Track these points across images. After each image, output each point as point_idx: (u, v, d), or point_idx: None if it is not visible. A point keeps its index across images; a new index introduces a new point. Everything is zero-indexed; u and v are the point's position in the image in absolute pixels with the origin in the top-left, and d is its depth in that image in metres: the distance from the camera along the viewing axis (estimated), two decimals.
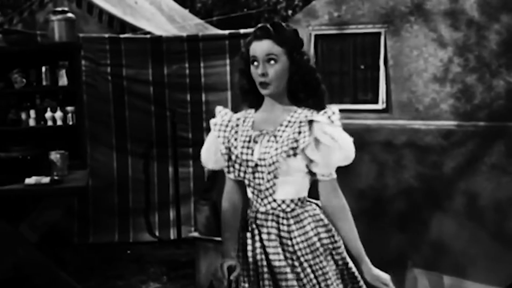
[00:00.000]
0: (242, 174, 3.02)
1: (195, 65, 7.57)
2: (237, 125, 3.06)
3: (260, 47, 2.90)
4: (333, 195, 2.97)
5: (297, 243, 2.93)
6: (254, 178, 2.98)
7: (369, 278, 2.99)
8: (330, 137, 2.86)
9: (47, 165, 6.17)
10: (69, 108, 6.92)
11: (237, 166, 3.01)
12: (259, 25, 2.98)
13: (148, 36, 7.85)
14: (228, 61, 7.56)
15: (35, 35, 7.08)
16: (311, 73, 2.96)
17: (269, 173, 2.92)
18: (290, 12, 13.67)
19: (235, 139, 3.02)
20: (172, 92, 7.58)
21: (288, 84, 2.95)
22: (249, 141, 2.99)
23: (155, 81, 7.57)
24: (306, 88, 2.95)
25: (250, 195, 3.06)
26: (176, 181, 7.46)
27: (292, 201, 2.98)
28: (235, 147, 3.00)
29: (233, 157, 3.01)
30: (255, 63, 2.92)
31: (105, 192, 7.65)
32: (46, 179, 5.90)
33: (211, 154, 3.13)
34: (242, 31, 7.69)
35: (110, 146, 7.68)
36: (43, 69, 6.85)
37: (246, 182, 3.03)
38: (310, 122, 2.88)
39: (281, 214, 2.96)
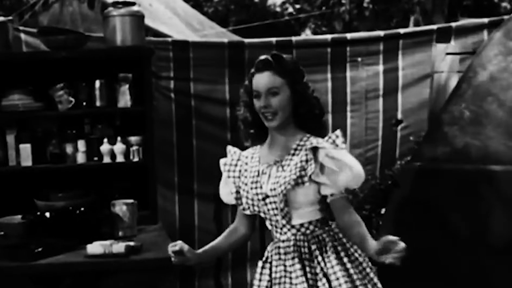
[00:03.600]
0: (256, 208, 3.28)
1: None
2: (246, 163, 3.34)
3: (262, 80, 3.15)
4: (343, 212, 3.17)
5: (319, 263, 3.15)
6: (268, 210, 3.24)
7: (376, 248, 2.91)
8: (335, 160, 3.09)
9: (109, 221, 4.69)
10: (133, 139, 5.20)
11: (249, 201, 3.28)
12: (261, 57, 3.20)
13: (226, 41, 6.02)
14: (329, 75, 6.06)
15: (86, 37, 5.19)
16: (316, 104, 3.25)
17: (280, 202, 3.16)
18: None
19: (245, 177, 3.29)
20: None
21: (293, 114, 3.20)
22: (258, 175, 3.26)
23: (233, 101, 5.80)
24: (313, 119, 3.23)
25: (269, 227, 3.33)
26: (261, 231, 5.67)
27: (310, 223, 3.20)
28: (245, 184, 3.28)
29: (244, 194, 3.29)
30: (257, 97, 3.17)
31: None
32: (119, 247, 4.20)
33: (227, 192, 3.43)
34: (348, 35, 6.18)
35: (171, 186, 6.07)
36: (97, 83, 5.15)
37: (262, 215, 3.30)
38: (315, 148, 3.12)
39: (302, 238, 3.19)
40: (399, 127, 6.02)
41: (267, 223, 3.35)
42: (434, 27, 6.10)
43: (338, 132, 3.18)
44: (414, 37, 6.02)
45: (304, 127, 3.24)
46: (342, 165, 3.11)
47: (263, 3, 14.69)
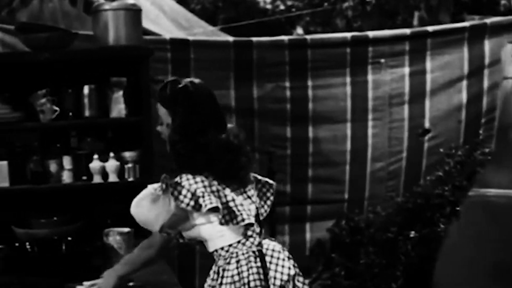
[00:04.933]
0: None
1: (300, 84, 5.47)
2: None
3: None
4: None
5: None
6: None
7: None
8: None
9: (102, 254, 4.00)
10: (127, 155, 4.57)
11: None
12: None
13: (232, 39, 5.38)
14: (348, 79, 5.49)
15: (72, 36, 4.56)
16: (177, 141, 3.16)
17: None
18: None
19: None
20: (264, 124, 5.51)
21: None
22: None
23: (240, 108, 5.46)
24: (173, 153, 3.19)
25: None
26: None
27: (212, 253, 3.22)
28: None
29: None
30: None
31: None
32: None
33: None
34: (370, 34, 5.57)
35: None
36: (86, 89, 4.52)
37: None
38: None
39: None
40: (426, 137, 5.53)
41: None
42: (467, 24, 5.54)
43: (180, 180, 3.12)
44: (444, 36, 5.50)
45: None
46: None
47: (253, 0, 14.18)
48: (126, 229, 4.03)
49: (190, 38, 5.52)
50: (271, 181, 3.41)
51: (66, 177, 4.54)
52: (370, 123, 5.51)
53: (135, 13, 4.51)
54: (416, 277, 5.07)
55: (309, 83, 5.43)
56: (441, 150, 5.42)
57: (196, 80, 3.27)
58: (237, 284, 3.10)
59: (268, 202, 3.39)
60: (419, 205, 5.24)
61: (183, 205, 3.07)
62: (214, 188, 3.13)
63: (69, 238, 4.05)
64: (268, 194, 3.38)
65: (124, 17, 4.46)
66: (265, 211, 3.36)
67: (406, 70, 5.48)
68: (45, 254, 3.94)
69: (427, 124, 5.54)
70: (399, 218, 5.32)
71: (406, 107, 5.50)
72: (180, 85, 3.19)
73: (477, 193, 3.80)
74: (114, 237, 4.00)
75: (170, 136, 3.21)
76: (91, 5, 6.98)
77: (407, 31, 5.55)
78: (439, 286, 4.14)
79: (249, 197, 3.26)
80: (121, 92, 4.52)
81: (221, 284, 3.12)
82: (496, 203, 3.70)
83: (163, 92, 3.20)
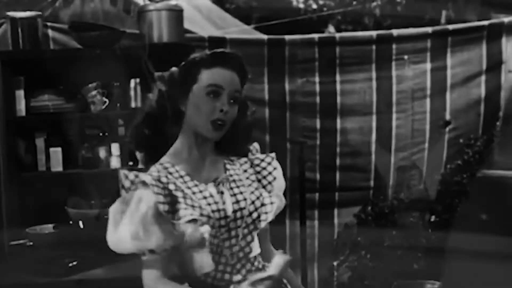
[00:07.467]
0: (206, 236, 2.37)
1: (328, 79, 5.63)
2: (168, 183, 2.44)
3: (229, 78, 2.51)
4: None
5: None
6: (228, 238, 2.43)
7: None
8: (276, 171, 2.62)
9: None
10: None
11: (203, 228, 2.36)
12: (222, 49, 2.56)
13: (266, 37, 5.70)
14: (374, 74, 5.64)
15: (121, 34, 4.83)
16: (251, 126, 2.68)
17: (247, 225, 2.46)
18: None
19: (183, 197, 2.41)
20: (295, 116, 5.66)
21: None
22: (210, 195, 2.44)
23: (272, 101, 5.61)
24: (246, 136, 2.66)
25: (208, 267, 2.40)
26: (302, 239, 5.44)
27: (258, 256, 2.53)
28: (191, 205, 2.39)
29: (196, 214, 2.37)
30: (213, 95, 2.48)
31: None
32: None
33: (150, 226, 2.36)
34: (394, 32, 5.70)
35: None
36: (132, 83, 4.83)
37: (210, 248, 2.38)
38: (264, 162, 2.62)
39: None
40: (447, 129, 5.67)
41: (210, 261, 2.43)
42: (486, 23, 5.66)
43: (255, 144, 2.71)
44: (464, 34, 5.63)
45: (230, 147, 2.63)
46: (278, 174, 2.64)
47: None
48: None
49: (227, 36, 5.77)
50: None
51: (115, 163, 4.84)
52: (394, 116, 5.62)
53: (177, 13, 4.82)
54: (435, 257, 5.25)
55: (337, 78, 5.59)
56: (461, 141, 5.57)
57: None
58: None
59: None
60: (439, 191, 5.42)
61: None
62: None
63: None
64: None
65: (167, 17, 4.76)
66: None
67: (428, 66, 5.59)
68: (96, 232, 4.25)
69: (448, 117, 5.65)
70: (420, 204, 5.51)
71: (428, 101, 5.62)
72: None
73: (485, 174, 4.15)
74: None
75: (249, 108, 2.69)
76: (130, 5, 7.32)
77: (429, 29, 5.65)
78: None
79: None
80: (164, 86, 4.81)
81: None
82: (501, 182, 4.03)
83: (236, 59, 2.59)
